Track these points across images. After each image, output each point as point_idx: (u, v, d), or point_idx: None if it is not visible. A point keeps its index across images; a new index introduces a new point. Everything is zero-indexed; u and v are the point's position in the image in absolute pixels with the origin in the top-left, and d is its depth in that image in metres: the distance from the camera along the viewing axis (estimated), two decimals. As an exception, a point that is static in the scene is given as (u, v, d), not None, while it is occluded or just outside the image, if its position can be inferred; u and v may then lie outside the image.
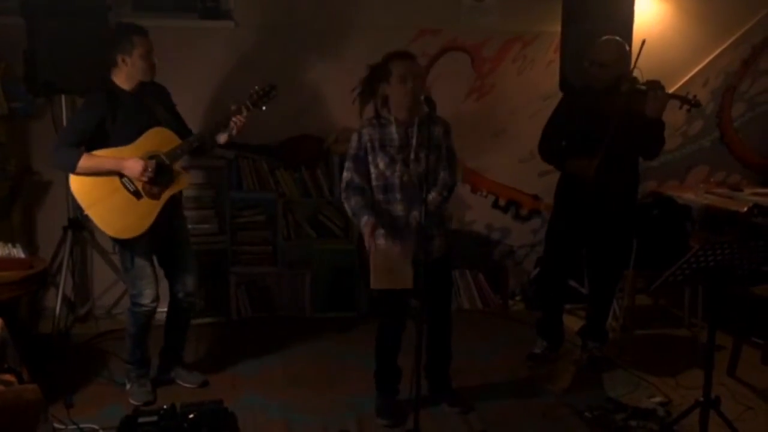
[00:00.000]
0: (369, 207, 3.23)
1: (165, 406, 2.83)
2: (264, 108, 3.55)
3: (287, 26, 4.69)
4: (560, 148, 3.88)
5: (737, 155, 5.43)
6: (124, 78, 3.40)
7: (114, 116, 3.35)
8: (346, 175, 3.30)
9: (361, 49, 4.78)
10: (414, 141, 3.23)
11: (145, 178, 3.33)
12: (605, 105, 3.70)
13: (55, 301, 4.28)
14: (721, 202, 4.80)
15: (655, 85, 3.65)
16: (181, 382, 3.74)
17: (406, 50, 3.32)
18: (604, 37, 3.80)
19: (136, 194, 3.40)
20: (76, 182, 3.37)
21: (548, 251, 4.16)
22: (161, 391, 3.64)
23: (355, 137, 3.30)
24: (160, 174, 3.40)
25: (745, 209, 4.51)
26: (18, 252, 3.68)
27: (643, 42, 3.62)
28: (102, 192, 3.37)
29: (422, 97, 3.09)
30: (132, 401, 3.52)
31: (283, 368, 4.00)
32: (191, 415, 2.79)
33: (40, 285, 3.92)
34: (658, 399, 3.64)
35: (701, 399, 3.04)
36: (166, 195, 3.45)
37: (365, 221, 3.19)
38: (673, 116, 5.26)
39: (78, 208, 4.29)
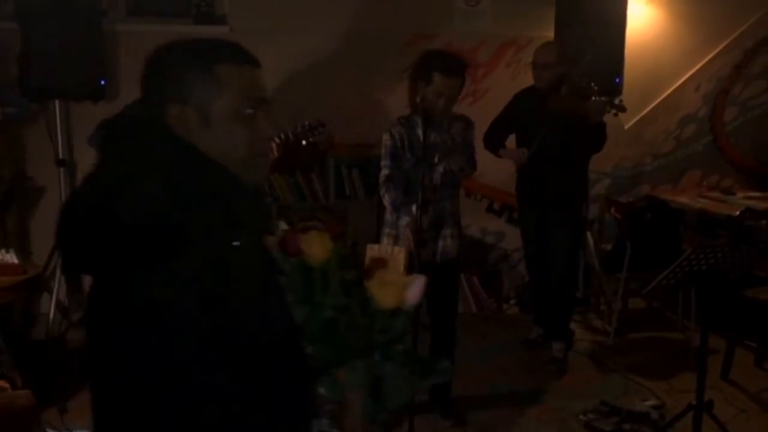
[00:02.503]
0: (408, 205, 3.23)
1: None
2: (304, 142, 3.50)
3: (282, 31, 4.69)
4: (498, 138, 4.15)
5: (730, 159, 5.46)
6: None
7: None
8: (384, 171, 3.31)
9: (356, 54, 4.79)
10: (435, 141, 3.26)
11: None
12: (549, 104, 3.89)
13: (48, 307, 4.26)
14: (713, 205, 4.80)
15: (591, 92, 3.85)
16: None
17: (459, 62, 3.22)
18: (544, 41, 4.08)
19: None
20: None
21: (522, 240, 4.40)
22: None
23: (387, 135, 3.31)
24: None
25: (738, 213, 4.53)
26: (11, 257, 3.66)
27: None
28: None
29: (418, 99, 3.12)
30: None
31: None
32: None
33: (33, 290, 3.91)
34: (651, 402, 3.64)
35: (694, 402, 3.05)
36: None
37: (406, 222, 3.20)
38: (667, 121, 5.30)
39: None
